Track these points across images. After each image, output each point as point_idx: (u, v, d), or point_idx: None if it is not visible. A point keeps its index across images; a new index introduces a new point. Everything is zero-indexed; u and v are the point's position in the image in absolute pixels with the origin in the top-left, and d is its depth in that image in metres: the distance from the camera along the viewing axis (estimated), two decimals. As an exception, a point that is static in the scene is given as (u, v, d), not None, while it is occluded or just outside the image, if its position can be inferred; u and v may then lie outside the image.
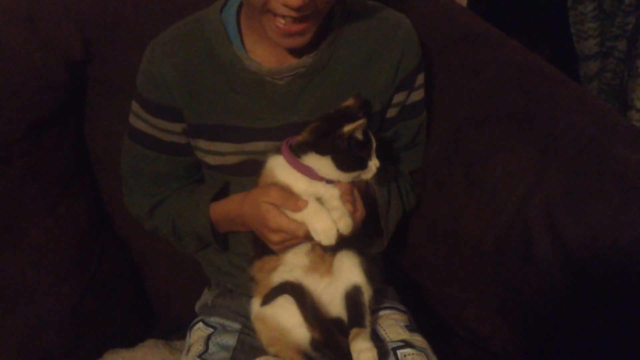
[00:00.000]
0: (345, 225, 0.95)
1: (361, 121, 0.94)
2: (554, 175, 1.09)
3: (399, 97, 1.17)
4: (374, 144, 0.99)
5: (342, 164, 0.97)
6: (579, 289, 1.05)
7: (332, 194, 0.98)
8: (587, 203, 1.04)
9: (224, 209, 1.13)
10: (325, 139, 0.97)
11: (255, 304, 1.07)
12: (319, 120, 1.01)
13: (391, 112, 1.19)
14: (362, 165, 0.98)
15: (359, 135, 0.95)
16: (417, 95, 1.20)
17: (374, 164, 0.99)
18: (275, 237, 1.00)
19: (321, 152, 0.97)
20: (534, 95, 1.19)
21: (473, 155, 1.22)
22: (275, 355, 1.03)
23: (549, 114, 1.15)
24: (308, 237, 0.97)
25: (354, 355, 0.94)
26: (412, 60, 1.15)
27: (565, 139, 1.10)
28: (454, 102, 1.29)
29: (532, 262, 1.11)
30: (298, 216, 0.96)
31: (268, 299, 1.04)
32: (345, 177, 0.99)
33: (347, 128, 0.93)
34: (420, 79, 1.19)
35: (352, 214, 0.98)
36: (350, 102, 1.03)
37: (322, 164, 0.98)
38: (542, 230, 1.09)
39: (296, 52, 1.07)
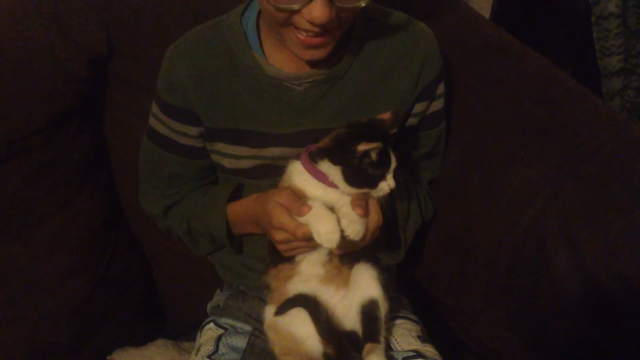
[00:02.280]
0: (354, 231, 0.94)
1: (376, 144, 0.92)
2: (572, 189, 1.08)
3: (419, 107, 1.17)
4: (392, 166, 0.97)
5: (350, 178, 0.96)
6: (596, 305, 1.04)
7: (344, 201, 0.98)
8: (605, 218, 1.03)
9: (239, 208, 1.13)
10: (341, 149, 0.96)
11: (269, 312, 1.06)
12: (346, 127, 1.00)
13: (411, 122, 1.19)
14: (371, 184, 0.97)
15: (374, 156, 0.94)
16: (438, 104, 1.20)
17: (387, 185, 0.97)
18: (278, 236, 1.00)
19: (334, 161, 0.97)
20: (555, 107, 1.18)
21: (490, 166, 1.21)
22: None
23: (569, 126, 1.14)
24: (307, 239, 0.96)
25: None
26: (433, 70, 1.14)
27: (585, 152, 1.09)
28: (473, 111, 1.28)
29: (547, 276, 1.09)
30: (303, 219, 0.96)
31: (282, 310, 1.03)
32: (351, 190, 0.98)
33: (362, 147, 0.92)
34: (441, 88, 1.18)
35: (364, 219, 0.97)
36: (386, 115, 1.01)
37: (333, 172, 0.98)
38: (559, 244, 1.08)
39: (316, 62, 1.07)
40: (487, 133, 1.24)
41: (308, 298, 1.02)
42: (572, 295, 1.06)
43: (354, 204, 0.97)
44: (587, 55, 2.07)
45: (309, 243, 0.99)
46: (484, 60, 1.32)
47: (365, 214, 0.98)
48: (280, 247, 1.03)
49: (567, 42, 2.16)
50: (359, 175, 0.96)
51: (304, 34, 0.93)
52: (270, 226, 1.00)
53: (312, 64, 1.07)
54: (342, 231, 0.93)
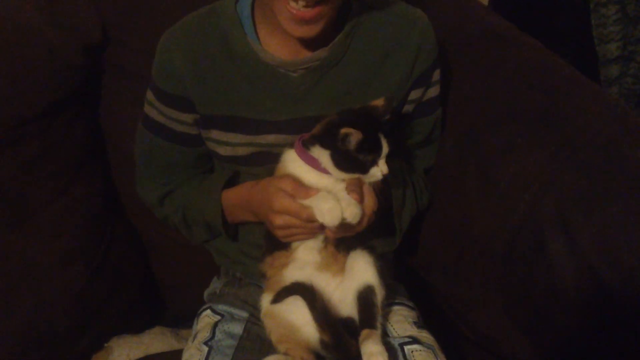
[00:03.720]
0: (351, 213, 0.94)
1: (356, 131, 0.92)
2: (569, 176, 1.08)
3: (415, 94, 1.16)
4: (384, 152, 0.97)
5: (339, 163, 0.97)
6: (592, 292, 1.04)
7: (339, 187, 0.98)
8: (602, 205, 1.03)
9: (235, 196, 1.13)
10: (329, 133, 0.97)
11: (265, 301, 1.07)
12: (338, 113, 1.00)
13: (407, 109, 1.18)
14: (362, 170, 0.97)
15: (353, 143, 0.94)
16: (434, 91, 1.19)
17: (380, 171, 0.97)
18: (278, 220, 0.99)
19: (323, 145, 0.98)
20: (552, 94, 1.18)
21: (487, 154, 1.20)
22: (285, 354, 1.02)
23: (567, 114, 1.14)
24: (311, 221, 0.97)
25: (364, 357, 0.93)
26: (428, 57, 1.14)
27: (582, 139, 1.09)
28: (469, 99, 1.28)
29: (543, 263, 1.09)
30: (306, 202, 0.96)
31: (278, 298, 1.04)
32: (342, 175, 0.98)
33: (344, 130, 0.92)
34: (437, 75, 1.18)
35: (360, 203, 0.97)
36: (379, 101, 1.01)
37: (323, 157, 0.98)
38: (555, 231, 1.07)
39: (311, 44, 1.07)
40: (483, 121, 1.24)
41: (304, 286, 1.02)
42: (568, 282, 1.06)
43: (349, 189, 0.97)
44: (585, 42, 2.07)
45: (310, 227, 0.99)
46: (481, 47, 1.32)
47: (361, 199, 0.98)
48: (279, 233, 1.03)
49: (565, 29, 2.15)
50: (348, 160, 0.96)
51: (295, 5, 0.93)
52: (271, 211, 1.00)
53: (307, 44, 1.06)
54: None
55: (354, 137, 0.93)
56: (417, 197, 1.24)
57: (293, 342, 1.02)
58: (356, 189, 0.98)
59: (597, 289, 1.03)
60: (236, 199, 1.13)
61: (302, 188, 0.98)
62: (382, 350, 0.93)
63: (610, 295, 1.01)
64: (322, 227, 0.99)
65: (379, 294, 1.01)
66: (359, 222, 0.98)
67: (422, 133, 1.24)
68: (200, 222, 1.19)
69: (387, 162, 0.98)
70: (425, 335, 1.10)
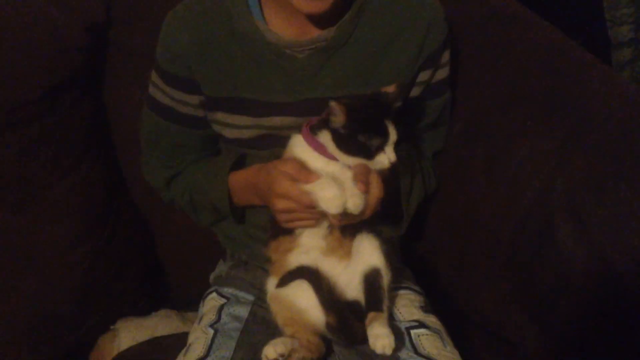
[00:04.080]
0: (354, 204, 0.94)
1: (339, 106, 0.91)
2: (579, 160, 1.07)
3: (423, 76, 1.15)
4: (391, 139, 0.96)
5: (341, 144, 0.96)
6: (602, 278, 1.03)
7: (346, 175, 0.97)
8: (613, 189, 1.02)
9: (241, 178, 1.13)
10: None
11: (271, 285, 1.07)
12: (348, 97, 0.99)
13: (415, 91, 1.17)
14: (367, 155, 0.96)
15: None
16: (442, 73, 1.18)
17: (387, 158, 0.96)
18: (280, 204, 0.99)
19: (325, 127, 0.97)
20: (563, 77, 1.16)
21: (496, 138, 1.19)
22: (291, 336, 1.02)
23: (577, 96, 1.12)
24: (312, 208, 0.96)
25: (371, 340, 0.93)
26: (437, 37, 1.12)
27: (593, 123, 1.08)
28: (478, 82, 1.26)
29: (552, 249, 1.09)
30: (308, 187, 0.95)
31: (283, 282, 1.04)
32: (348, 160, 0.98)
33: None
34: (446, 56, 1.16)
35: (364, 194, 0.96)
36: (391, 88, 1.00)
37: (327, 140, 0.97)
38: (564, 215, 1.07)
39: (317, 22, 1.05)
40: (492, 104, 1.22)
41: (309, 269, 1.02)
42: (577, 267, 1.05)
43: (356, 178, 0.96)
44: (597, 25, 2.04)
45: (312, 213, 0.98)
46: (491, 28, 1.29)
47: (367, 189, 0.97)
48: (281, 217, 1.02)
49: (577, 11, 2.12)
50: (350, 142, 0.95)
51: None
52: (273, 194, 0.99)
53: (314, 22, 1.05)
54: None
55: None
56: (425, 182, 1.23)
57: (299, 325, 1.02)
58: (363, 178, 0.96)
59: (607, 275, 1.02)
60: (243, 182, 1.12)
61: (304, 172, 0.97)
62: (389, 333, 0.92)
63: (620, 281, 1.01)
64: (323, 215, 0.98)
65: (385, 277, 1.00)
66: (361, 212, 0.97)
67: (431, 116, 1.22)
68: (206, 204, 1.19)
69: (396, 148, 0.97)
70: (431, 320, 1.10)
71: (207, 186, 1.16)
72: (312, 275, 1.01)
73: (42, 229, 1.28)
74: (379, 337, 0.92)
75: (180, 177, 1.22)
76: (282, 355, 0.95)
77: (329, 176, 0.96)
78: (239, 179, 1.13)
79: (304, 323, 1.02)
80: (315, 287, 1.00)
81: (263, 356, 0.95)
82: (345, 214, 0.95)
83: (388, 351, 0.91)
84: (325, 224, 1.04)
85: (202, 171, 1.19)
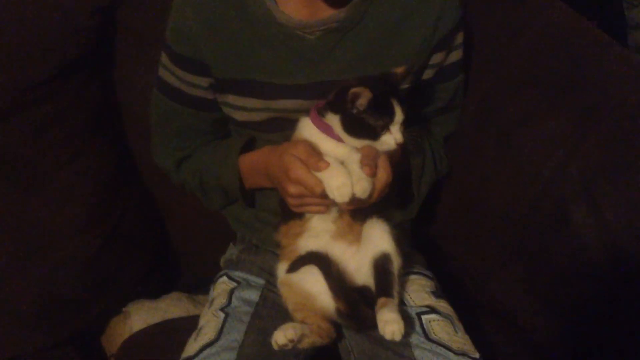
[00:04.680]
0: (361, 189, 0.92)
1: (364, 89, 0.90)
2: (594, 143, 1.06)
3: (436, 58, 1.13)
4: (397, 118, 0.94)
5: (348, 127, 0.95)
6: (616, 263, 1.03)
7: (353, 158, 0.96)
8: (628, 173, 1.02)
9: (252, 160, 1.12)
10: (340, 96, 0.95)
11: (281, 269, 1.07)
12: (352, 79, 0.97)
13: (428, 74, 1.16)
14: (373, 135, 0.95)
15: (363, 102, 0.91)
16: (456, 55, 1.16)
17: (394, 139, 0.95)
18: (292, 189, 0.98)
19: (334, 110, 0.96)
20: (578, 58, 1.15)
21: (509, 120, 1.19)
22: (301, 321, 1.02)
23: (593, 78, 1.11)
24: (324, 196, 0.95)
25: (380, 325, 0.93)
26: (451, 18, 1.10)
27: (608, 105, 1.07)
28: (492, 64, 1.25)
29: (565, 233, 1.08)
30: (318, 175, 0.94)
31: (293, 267, 1.03)
32: (353, 141, 0.97)
33: (353, 90, 0.90)
34: (459, 38, 1.14)
35: (371, 177, 0.95)
36: (400, 69, 0.99)
37: (335, 123, 0.97)
38: (578, 199, 1.06)
39: (328, 2, 1.04)
40: (506, 85, 1.21)
41: (319, 255, 1.02)
42: (590, 252, 1.05)
43: (363, 162, 0.94)
44: (613, 6, 2.01)
45: (323, 201, 0.98)
46: (505, 9, 1.28)
47: (374, 172, 0.95)
48: (291, 202, 1.01)
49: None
50: (357, 124, 0.94)
51: None
52: (286, 179, 0.98)
53: (326, 1, 1.03)
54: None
55: (364, 96, 0.91)
56: (437, 165, 1.22)
57: (309, 311, 1.02)
58: (370, 162, 0.94)
59: (620, 260, 1.02)
60: (253, 164, 1.12)
61: (314, 157, 0.95)
62: (398, 318, 0.92)
63: (634, 266, 1.00)
64: (334, 202, 0.97)
65: (395, 262, 1.00)
66: (369, 196, 0.95)
67: (443, 99, 1.21)
68: (216, 187, 1.18)
69: (406, 130, 0.96)
70: (443, 305, 1.09)
71: (217, 168, 1.16)
72: (321, 261, 1.01)
73: (53, 211, 1.28)
74: (388, 322, 0.92)
75: (190, 159, 1.22)
76: (291, 341, 0.95)
77: (337, 162, 0.95)
78: (248, 162, 1.12)
79: (314, 308, 1.02)
80: (325, 273, 1.00)
81: (273, 341, 0.95)
82: (353, 198, 0.94)
83: (397, 337, 0.90)
84: (334, 208, 1.03)
85: (212, 153, 1.19)
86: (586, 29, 1.19)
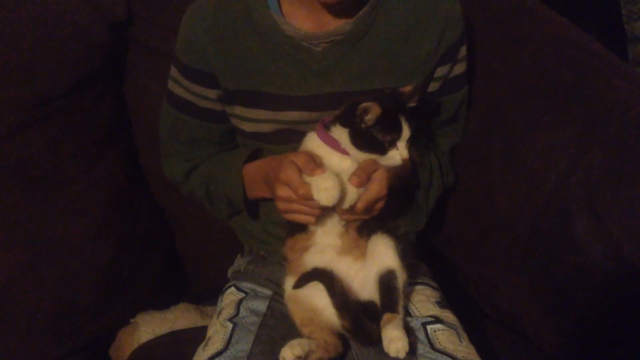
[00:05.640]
0: (346, 197, 0.94)
1: (374, 104, 0.91)
2: (596, 153, 1.06)
3: (441, 71, 1.15)
4: (404, 135, 0.96)
5: (357, 141, 0.96)
6: (619, 272, 1.03)
7: (350, 171, 0.97)
8: (630, 183, 1.02)
9: (255, 170, 1.12)
10: (349, 111, 0.96)
11: (288, 285, 1.07)
12: (362, 95, 0.99)
13: (433, 86, 1.17)
14: (380, 150, 0.96)
15: (372, 117, 0.93)
16: (460, 68, 1.18)
17: (399, 154, 0.96)
18: (281, 191, 0.98)
19: (343, 123, 0.97)
20: (580, 71, 1.16)
21: (513, 130, 1.19)
22: (308, 336, 1.03)
23: (595, 90, 1.12)
24: (306, 199, 0.95)
25: (385, 342, 0.93)
26: (455, 31, 1.12)
27: (610, 117, 1.07)
28: (496, 75, 1.26)
29: (569, 243, 1.08)
30: (308, 178, 0.95)
31: (299, 284, 1.04)
32: (360, 155, 0.98)
33: (363, 105, 0.92)
34: (463, 50, 1.16)
35: (358, 189, 0.96)
36: (407, 88, 1.01)
37: (343, 136, 0.98)
38: (581, 209, 1.06)
39: (335, 13, 1.05)
40: (510, 97, 1.22)
41: (324, 272, 1.02)
42: (594, 262, 1.05)
43: (355, 173, 0.95)
44: (613, 20, 2.03)
45: (310, 205, 0.98)
46: (508, 22, 1.30)
47: (362, 184, 0.96)
48: (280, 206, 1.02)
49: (593, 5, 2.11)
50: (366, 138, 0.96)
51: None
52: (277, 180, 0.99)
53: (332, 12, 1.05)
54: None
55: (373, 111, 0.92)
56: (443, 176, 1.23)
57: (316, 325, 1.03)
58: (360, 173, 0.95)
59: (623, 270, 1.02)
60: (256, 173, 1.12)
61: (310, 164, 0.96)
62: (402, 335, 0.93)
63: (637, 276, 1.00)
64: (320, 208, 0.98)
65: (400, 278, 1.00)
66: (370, 209, 0.97)
67: (449, 111, 1.22)
68: (222, 196, 1.19)
69: (413, 142, 0.97)
70: (448, 315, 1.10)
71: (222, 178, 1.16)
72: (326, 278, 1.01)
73: (66, 222, 1.29)
74: (393, 340, 0.92)
75: (198, 169, 1.23)
76: (299, 357, 0.96)
77: (333, 171, 0.96)
78: (252, 171, 1.13)
79: (321, 323, 1.02)
80: (329, 290, 1.00)
81: (280, 358, 0.96)
82: (344, 208, 0.95)
83: (402, 355, 0.91)
84: (338, 221, 1.04)
85: (218, 163, 1.20)
86: (588, 42, 1.20)
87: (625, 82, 1.12)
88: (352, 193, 0.95)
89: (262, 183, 1.11)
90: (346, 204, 0.95)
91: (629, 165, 1.03)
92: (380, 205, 1.01)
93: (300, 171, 0.96)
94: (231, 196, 1.17)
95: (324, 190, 0.92)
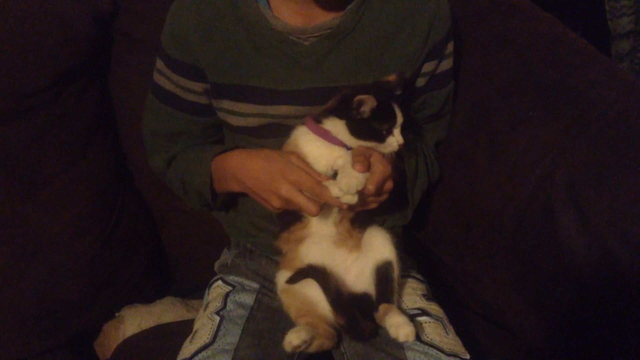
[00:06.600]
0: (346, 185, 0.92)
1: (369, 96, 0.93)
2: (580, 149, 1.07)
3: (428, 67, 1.15)
4: (399, 121, 0.98)
5: (355, 131, 0.98)
6: (602, 267, 1.04)
7: (346, 159, 0.97)
8: (613, 178, 1.03)
9: (224, 163, 1.10)
10: (344, 103, 0.98)
11: (281, 278, 1.07)
12: (351, 88, 1.01)
13: (420, 82, 1.18)
14: (378, 138, 0.98)
15: (367, 109, 0.95)
16: (446, 64, 1.18)
17: (396, 141, 0.98)
18: (284, 191, 0.98)
19: (339, 115, 0.98)
20: (564, 67, 1.17)
21: (498, 127, 1.20)
22: (306, 325, 1.03)
23: (578, 87, 1.13)
24: (318, 197, 0.96)
25: (391, 330, 0.94)
26: (442, 27, 1.12)
27: (593, 113, 1.09)
28: (481, 72, 1.27)
29: (553, 237, 1.09)
30: (326, 182, 0.97)
31: (293, 280, 1.04)
32: (360, 144, 0.99)
33: (358, 97, 0.93)
34: (450, 47, 1.17)
35: (364, 173, 0.95)
36: (391, 77, 1.03)
37: (338, 127, 0.99)
38: (565, 204, 1.07)
39: (324, 7, 1.06)
40: (495, 93, 1.23)
41: (318, 269, 1.03)
42: (577, 256, 1.06)
43: (354, 160, 0.94)
44: (596, 17, 2.05)
45: (313, 204, 0.98)
46: (493, 19, 1.30)
47: (366, 168, 0.95)
48: (275, 203, 1.02)
49: (578, 2, 2.13)
50: (364, 128, 0.97)
51: None
52: (283, 180, 0.99)
53: (321, 5, 1.05)
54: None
55: (368, 103, 0.94)
56: (429, 169, 1.24)
57: (313, 316, 1.03)
58: (361, 159, 0.95)
59: (607, 264, 1.03)
60: (225, 167, 1.10)
61: (313, 171, 0.99)
62: (407, 321, 0.95)
63: (621, 270, 1.01)
64: (320, 206, 0.98)
65: (397, 270, 1.02)
66: (378, 195, 0.98)
67: (434, 106, 1.23)
68: (193, 188, 1.18)
69: (401, 132, 0.99)
70: (434, 308, 1.11)
71: (193, 169, 1.15)
72: (320, 275, 1.02)
73: (50, 216, 1.28)
74: (400, 325, 0.94)
75: (176, 159, 1.21)
76: (305, 342, 0.96)
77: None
78: (221, 165, 1.11)
79: (317, 314, 1.03)
80: (323, 287, 1.01)
81: (286, 343, 0.96)
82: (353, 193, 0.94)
83: (411, 338, 0.93)
84: (335, 210, 1.04)
85: (192, 155, 1.19)
86: (572, 39, 1.21)
87: (608, 78, 1.13)
88: (360, 178, 0.93)
89: (232, 178, 1.09)
90: (352, 191, 0.93)
91: (612, 160, 1.04)
92: (389, 185, 1.02)
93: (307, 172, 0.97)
94: (199, 187, 1.15)
95: (345, 184, 0.92)
